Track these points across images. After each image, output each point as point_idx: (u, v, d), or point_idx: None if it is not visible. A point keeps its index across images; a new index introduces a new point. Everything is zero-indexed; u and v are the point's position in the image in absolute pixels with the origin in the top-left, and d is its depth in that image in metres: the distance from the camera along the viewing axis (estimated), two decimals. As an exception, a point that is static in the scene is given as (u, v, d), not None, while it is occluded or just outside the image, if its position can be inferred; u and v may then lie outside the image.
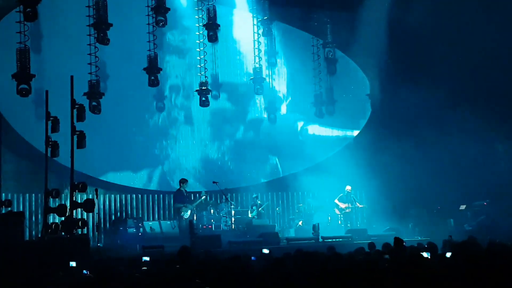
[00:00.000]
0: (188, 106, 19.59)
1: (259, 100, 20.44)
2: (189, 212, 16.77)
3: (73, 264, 9.87)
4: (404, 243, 9.93)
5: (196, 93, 18.64)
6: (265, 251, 11.08)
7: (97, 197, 15.09)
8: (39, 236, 14.67)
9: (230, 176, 19.30)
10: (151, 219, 18.12)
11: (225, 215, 17.49)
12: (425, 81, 18.75)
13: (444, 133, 18.45)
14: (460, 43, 18.47)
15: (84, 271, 9.37)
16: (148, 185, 18.88)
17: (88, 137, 14.50)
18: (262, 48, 19.73)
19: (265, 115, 20.46)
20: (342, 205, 18.42)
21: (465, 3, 17.99)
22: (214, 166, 19.49)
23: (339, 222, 18.66)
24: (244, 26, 19.82)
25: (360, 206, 18.75)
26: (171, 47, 19.31)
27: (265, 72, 19.84)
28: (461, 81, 18.62)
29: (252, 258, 9.61)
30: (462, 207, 18.26)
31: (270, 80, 20.23)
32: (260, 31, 19.55)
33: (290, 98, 20.69)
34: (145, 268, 9.52)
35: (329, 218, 18.75)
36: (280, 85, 20.71)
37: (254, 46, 19.60)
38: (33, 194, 16.99)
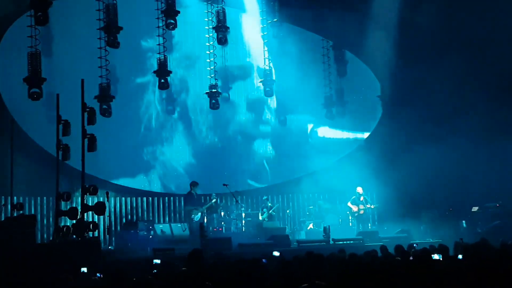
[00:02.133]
0: (198, 108, 19.60)
1: (269, 102, 20.41)
2: (199, 214, 16.77)
3: (84, 270, 9.87)
4: (416, 245, 9.88)
5: (206, 95, 18.64)
6: (276, 253, 11.05)
7: (108, 200, 15.14)
8: (51, 239, 14.71)
9: (240, 178, 19.29)
10: (162, 222, 18.14)
11: (235, 218, 17.48)
12: (436, 82, 18.68)
13: (456, 134, 18.35)
14: (471, 43, 18.39)
15: (98, 274, 9.39)
16: (159, 188, 18.91)
17: (99, 140, 14.53)
18: (272, 50, 19.70)
19: (275, 117, 20.42)
20: (354, 208, 18.35)
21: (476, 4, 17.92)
22: (225, 168, 19.47)
23: (350, 224, 18.60)
24: (253, 28, 19.82)
25: (372, 207, 18.67)
26: (180, 50, 19.33)
27: (274, 74, 19.82)
28: (472, 82, 18.51)
29: (263, 260, 9.57)
30: (475, 208, 18.15)
31: (280, 82, 20.20)
32: (270, 33, 19.53)
33: (300, 100, 20.63)
34: (156, 271, 9.51)
35: (340, 220, 18.69)
36: (290, 87, 20.68)
37: (263, 48, 19.58)
38: (45, 197, 17.06)
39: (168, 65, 17.39)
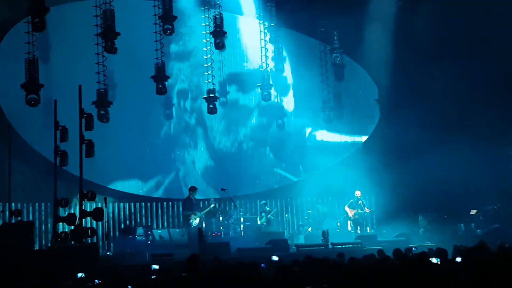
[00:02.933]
0: (195, 113, 19.62)
1: (267, 106, 20.42)
2: (198, 219, 16.76)
3: (81, 275, 9.84)
4: (414, 249, 9.88)
5: (203, 100, 18.66)
6: (275, 258, 11.04)
7: (106, 206, 15.13)
8: (49, 245, 14.69)
9: (238, 183, 19.29)
10: (160, 227, 18.13)
11: (234, 222, 17.47)
12: (434, 86, 18.70)
13: (454, 137, 18.37)
14: (468, 46, 18.43)
15: (96, 281, 9.36)
16: (157, 193, 18.90)
17: (97, 146, 14.53)
18: (270, 54, 19.75)
19: (273, 121, 20.44)
20: (351, 212, 18.34)
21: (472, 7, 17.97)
22: (223, 173, 19.48)
23: (349, 228, 18.59)
24: (251, 33, 19.87)
25: (368, 211, 18.66)
26: (177, 52, 19.35)
27: (272, 78, 19.84)
28: (470, 85, 18.53)
29: (262, 265, 9.56)
30: (473, 211, 18.15)
31: (278, 86, 20.23)
32: (267, 38, 19.59)
33: (298, 104, 20.67)
34: (154, 277, 9.50)
35: (339, 224, 18.69)
36: (288, 91, 20.71)
37: (261, 53, 19.63)
38: (43, 204, 17.04)
39: (166, 70, 17.42)
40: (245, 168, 19.88)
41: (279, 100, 20.52)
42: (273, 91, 19.70)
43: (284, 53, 19.95)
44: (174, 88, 19.28)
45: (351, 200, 18.48)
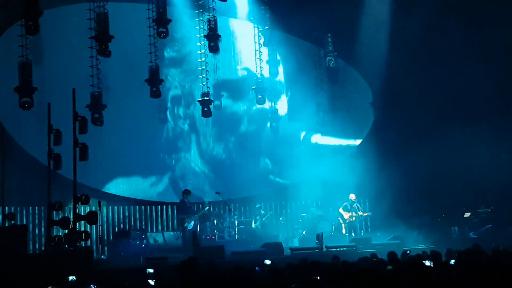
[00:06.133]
0: (189, 116, 19.62)
1: (261, 110, 20.43)
2: (192, 223, 16.74)
3: (72, 278, 9.79)
4: (409, 252, 9.88)
5: (198, 103, 18.65)
6: (267, 262, 11.01)
7: (100, 209, 15.08)
8: (43, 249, 14.64)
9: (233, 186, 19.27)
10: (155, 231, 18.09)
11: (228, 226, 17.44)
12: (428, 89, 18.75)
13: (448, 141, 18.42)
14: (462, 49, 18.50)
15: (92, 286, 9.32)
16: (151, 196, 18.85)
17: (91, 149, 14.49)
18: (264, 57, 19.76)
19: (268, 125, 20.45)
20: (346, 215, 18.36)
21: (467, 12, 18.04)
22: (217, 176, 19.47)
23: (343, 231, 18.60)
24: (245, 36, 19.88)
25: (364, 214, 18.68)
26: (171, 58, 19.34)
27: (266, 81, 19.85)
28: (465, 88, 18.59)
29: (256, 268, 9.55)
30: (467, 214, 18.19)
31: (272, 89, 20.24)
32: (261, 41, 19.60)
33: (292, 108, 20.68)
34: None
35: (333, 227, 18.69)
36: (282, 94, 20.73)
37: (255, 56, 19.64)
38: (36, 207, 16.98)
39: (159, 73, 17.41)
40: (240, 172, 19.86)
41: (273, 104, 20.51)
42: (267, 95, 19.70)
43: (278, 57, 19.98)
44: (168, 94, 19.25)
45: (345, 203, 18.51)
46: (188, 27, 18.90)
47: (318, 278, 6.94)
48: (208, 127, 19.73)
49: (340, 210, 18.47)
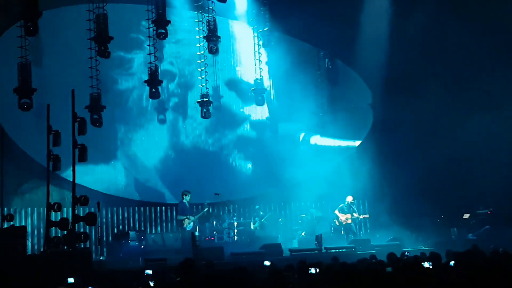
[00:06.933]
0: (189, 117, 19.60)
1: (261, 111, 20.43)
2: (191, 224, 16.72)
3: (71, 280, 9.77)
4: (407, 253, 9.88)
5: (197, 105, 18.64)
6: (266, 263, 11.01)
7: (99, 210, 15.05)
8: (42, 250, 14.62)
9: (232, 187, 19.26)
10: (154, 232, 18.07)
11: (227, 227, 17.43)
12: (427, 90, 18.74)
13: (447, 142, 18.42)
14: (461, 52, 18.51)
15: (91, 287, 9.31)
16: (150, 198, 18.83)
17: (90, 150, 14.48)
18: (263, 59, 19.76)
19: (266, 126, 20.43)
20: (342, 217, 18.28)
21: (466, 12, 18.05)
22: (216, 177, 19.44)
23: (342, 232, 18.57)
24: (244, 37, 19.88)
25: (361, 217, 18.59)
26: (169, 59, 19.34)
27: (266, 83, 19.85)
28: (464, 89, 18.60)
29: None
30: (466, 216, 18.19)
31: (271, 90, 20.24)
32: (261, 42, 19.60)
33: (291, 109, 20.66)
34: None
35: (332, 228, 18.66)
36: (281, 95, 20.72)
37: (254, 57, 19.64)
38: (35, 208, 16.95)
39: (159, 74, 17.41)
40: (239, 173, 19.86)
41: (272, 105, 20.50)
42: (266, 96, 19.71)
43: (278, 58, 19.96)
44: (168, 94, 19.25)
45: (341, 205, 18.41)
46: (188, 28, 18.87)
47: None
48: (207, 128, 19.70)
49: (336, 212, 18.40)
